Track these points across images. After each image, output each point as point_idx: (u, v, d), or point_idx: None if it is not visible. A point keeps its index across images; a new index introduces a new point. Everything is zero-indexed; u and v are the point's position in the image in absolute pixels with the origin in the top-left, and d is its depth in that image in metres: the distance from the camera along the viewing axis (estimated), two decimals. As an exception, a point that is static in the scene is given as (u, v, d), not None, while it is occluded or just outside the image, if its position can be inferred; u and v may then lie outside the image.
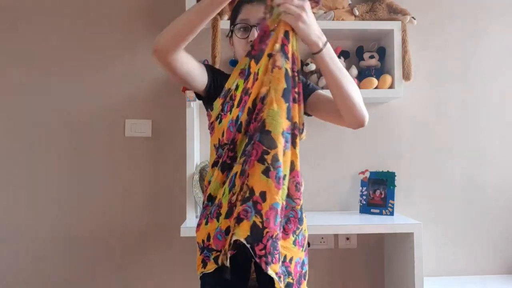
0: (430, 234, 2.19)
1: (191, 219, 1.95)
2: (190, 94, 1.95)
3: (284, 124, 1.12)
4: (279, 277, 1.12)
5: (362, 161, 2.22)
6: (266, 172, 1.08)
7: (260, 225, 1.06)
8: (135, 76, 2.19)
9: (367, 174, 2.18)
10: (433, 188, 2.24)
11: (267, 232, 1.07)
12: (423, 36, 2.24)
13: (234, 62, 1.48)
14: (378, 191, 2.12)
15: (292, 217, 1.22)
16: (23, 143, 2.16)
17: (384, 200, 2.10)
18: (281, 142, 1.10)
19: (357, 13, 2.10)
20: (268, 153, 1.09)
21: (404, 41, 2.04)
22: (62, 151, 2.17)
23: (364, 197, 2.15)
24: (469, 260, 2.24)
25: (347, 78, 1.20)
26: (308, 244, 1.38)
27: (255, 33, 1.29)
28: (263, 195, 1.07)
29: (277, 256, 1.10)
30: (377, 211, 2.10)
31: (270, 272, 1.08)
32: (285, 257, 1.21)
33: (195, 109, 2.00)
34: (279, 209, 1.09)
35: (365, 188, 2.16)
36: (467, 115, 2.27)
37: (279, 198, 1.09)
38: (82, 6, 2.19)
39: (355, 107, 1.21)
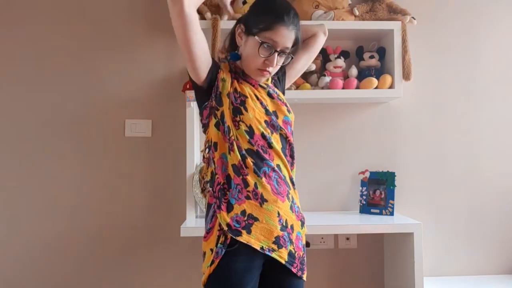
0: (430, 234, 2.20)
1: (191, 219, 1.95)
2: (190, 94, 1.95)
3: None
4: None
5: (362, 161, 2.22)
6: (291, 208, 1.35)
7: (293, 251, 1.34)
8: (135, 76, 2.19)
9: (367, 174, 2.18)
10: (433, 188, 2.24)
11: (297, 254, 1.35)
12: (423, 36, 2.24)
13: (235, 56, 1.42)
14: (378, 191, 2.12)
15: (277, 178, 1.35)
16: (23, 143, 2.16)
17: (384, 200, 2.10)
18: None
19: (357, 13, 2.10)
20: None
21: (404, 41, 2.04)
22: (62, 151, 2.16)
23: (364, 197, 2.15)
24: (469, 260, 2.24)
25: None
26: (308, 244, 1.40)
27: (274, 59, 1.30)
28: (291, 227, 1.34)
29: (305, 267, 1.39)
30: (377, 211, 2.10)
31: (304, 279, 1.37)
32: (286, 222, 1.32)
33: (195, 109, 2.00)
34: (300, 236, 1.38)
35: (365, 188, 2.16)
36: (467, 115, 2.27)
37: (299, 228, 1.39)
38: (81, 6, 2.19)
39: None
